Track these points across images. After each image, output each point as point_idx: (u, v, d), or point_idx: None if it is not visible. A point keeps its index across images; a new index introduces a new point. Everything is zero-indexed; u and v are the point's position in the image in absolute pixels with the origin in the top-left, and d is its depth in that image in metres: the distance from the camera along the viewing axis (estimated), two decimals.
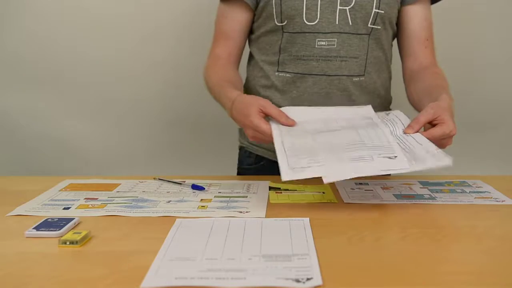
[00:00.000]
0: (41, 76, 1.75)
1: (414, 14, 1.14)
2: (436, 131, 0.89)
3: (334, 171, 0.83)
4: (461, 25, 1.67)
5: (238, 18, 1.16)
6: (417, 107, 1.09)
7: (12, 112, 1.78)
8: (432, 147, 0.86)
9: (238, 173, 1.30)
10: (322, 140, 0.90)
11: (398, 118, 0.97)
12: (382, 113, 1.03)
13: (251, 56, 1.24)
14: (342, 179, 0.83)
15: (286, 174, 0.83)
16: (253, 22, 1.18)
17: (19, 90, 1.76)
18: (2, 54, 1.73)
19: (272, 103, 1.14)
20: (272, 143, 0.91)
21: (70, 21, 1.70)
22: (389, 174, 1.11)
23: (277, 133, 0.92)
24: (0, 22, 1.71)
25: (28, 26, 1.71)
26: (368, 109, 1.05)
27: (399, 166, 0.83)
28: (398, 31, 1.18)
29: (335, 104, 1.11)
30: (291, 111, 0.98)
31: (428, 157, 0.83)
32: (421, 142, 0.88)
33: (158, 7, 1.70)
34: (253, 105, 0.95)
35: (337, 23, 1.08)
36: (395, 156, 0.85)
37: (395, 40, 1.22)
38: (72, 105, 1.78)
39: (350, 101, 1.13)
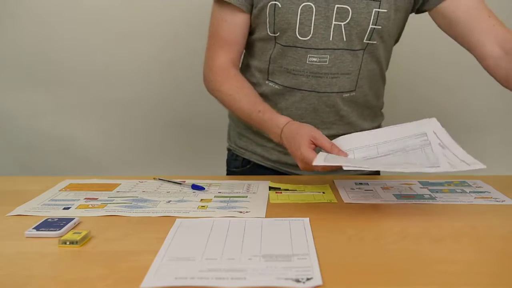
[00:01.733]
0: (41, 76, 1.75)
1: (457, 4, 1.03)
2: None
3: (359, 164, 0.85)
4: None
5: (238, 21, 1.09)
6: None
7: (12, 112, 1.78)
8: (469, 158, 0.88)
9: (227, 175, 1.29)
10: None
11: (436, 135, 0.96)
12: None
13: (244, 59, 1.19)
14: (363, 168, 0.84)
15: (318, 161, 0.85)
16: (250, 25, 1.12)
17: (19, 90, 1.76)
18: (2, 54, 1.73)
19: None
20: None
21: (70, 21, 1.71)
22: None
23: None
24: (0, 22, 1.71)
25: (28, 26, 1.71)
26: (427, 124, 0.98)
27: (441, 170, 0.86)
28: (451, 32, 1.07)
29: (322, 120, 1.10)
30: (343, 140, 0.96)
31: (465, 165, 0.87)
32: (457, 154, 0.89)
33: (156, 8, 1.70)
34: (303, 136, 0.92)
35: (331, 39, 1.03)
36: (438, 166, 0.87)
37: (398, 44, 1.19)
38: (72, 105, 1.78)
39: (338, 116, 1.11)
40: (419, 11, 1.10)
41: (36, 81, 1.75)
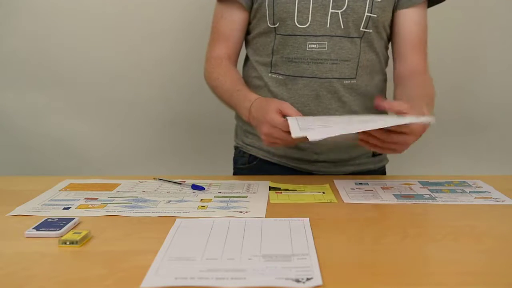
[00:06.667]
0: (41, 76, 1.75)
1: (407, 18, 1.13)
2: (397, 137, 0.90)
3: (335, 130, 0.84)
4: (462, 24, 1.67)
5: (235, 18, 1.16)
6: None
7: (12, 112, 1.78)
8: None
9: (234, 173, 1.30)
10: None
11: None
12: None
13: (246, 57, 1.24)
14: (334, 134, 0.83)
15: (296, 132, 0.84)
16: (249, 23, 1.18)
17: (19, 90, 1.76)
18: (1, 54, 1.73)
19: None
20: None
21: (70, 21, 1.70)
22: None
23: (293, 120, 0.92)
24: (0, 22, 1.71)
25: (28, 26, 1.70)
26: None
27: (408, 120, 0.86)
28: (390, 35, 1.17)
29: (325, 106, 1.12)
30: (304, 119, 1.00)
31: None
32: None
33: (157, 7, 1.69)
34: (271, 105, 0.96)
35: (328, 26, 1.08)
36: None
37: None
38: (72, 105, 1.78)
39: (340, 103, 1.12)
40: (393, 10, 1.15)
41: (36, 81, 1.75)
